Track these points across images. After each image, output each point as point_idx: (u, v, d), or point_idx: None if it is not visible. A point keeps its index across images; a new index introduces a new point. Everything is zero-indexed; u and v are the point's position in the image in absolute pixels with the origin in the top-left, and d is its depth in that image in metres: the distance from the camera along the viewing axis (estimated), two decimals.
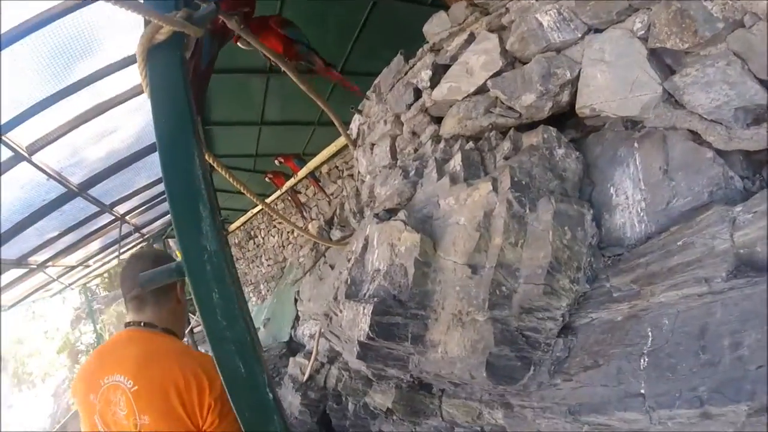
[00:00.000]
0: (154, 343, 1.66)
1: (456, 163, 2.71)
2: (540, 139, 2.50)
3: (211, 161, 2.44)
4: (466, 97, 2.91)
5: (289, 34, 3.39)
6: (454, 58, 2.98)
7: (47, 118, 4.19)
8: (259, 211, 9.14)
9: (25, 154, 4.34)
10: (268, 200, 8.04)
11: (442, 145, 3.02)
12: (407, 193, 2.93)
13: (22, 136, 4.21)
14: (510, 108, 2.75)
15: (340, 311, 2.94)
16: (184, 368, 1.54)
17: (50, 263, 8.15)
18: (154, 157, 6.20)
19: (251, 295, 11.68)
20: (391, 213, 3.02)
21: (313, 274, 7.89)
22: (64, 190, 5.64)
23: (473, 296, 2.27)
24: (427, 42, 3.17)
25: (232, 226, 8.96)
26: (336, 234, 7.53)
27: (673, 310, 1.86)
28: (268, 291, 10.82)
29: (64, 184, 5.51)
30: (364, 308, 2.58)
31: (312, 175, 6.87)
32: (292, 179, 6.80)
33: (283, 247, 9.74)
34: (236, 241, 11.14)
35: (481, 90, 2.85)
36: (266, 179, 7.39)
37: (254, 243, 11.00)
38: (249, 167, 7.80)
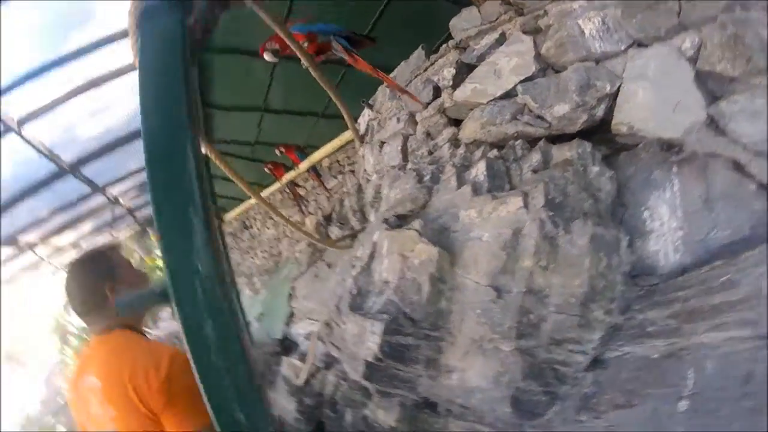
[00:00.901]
0: (114, 340, 1.72)
1: (479, 171, 2.51)
2: (575, 154, 2.31)
3: (207, 151, 2.19)
4: (491, 100, 2.71)
5: (305, 29, 3.13)
6: (481, 58, 2.77)
7: (39, 90, 3.99)
8: (255, 203, 8.91)
9: (14, 126, 4.10)
10: (266, 191, 7.81)
11: (461, 150, 2.81)
12: (421, 200, 2.72)
13: (12, 107, 4.00)
14: (539, 117, 2.57)
15: (343, 323, 2.75)
16: (135, 357, 1.62)
17: (40, 243, 8.09)
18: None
19: (244, 287, 11.47)
20: (401, 219, 2.82)
21: (310, 271, 7.72)
22: (56, 168, 5.44)
23: (497, 322, 2.09)
24: (453, 38, 2.95)
25: (228, 215, 8.73)
26: (334, 231, 7.35)
27: (717, 352, 1.70)
28: (262, 285, 10.60)
29: (56, 162, 5.31)
30: (372, 325, 2.39)
31: (313, 169, 6.65)
32: (293, 172, 6.56)
33: (279, 240, 9.51)
34: (230, 230, 10.89)
35: (509, 95, 2.66)
36: (266, 170, 7.16)
37: (249, 233, 10.76)
38: (247, 155, 7.57)
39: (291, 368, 4.59)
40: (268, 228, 9.83)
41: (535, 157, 2.48)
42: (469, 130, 2.84)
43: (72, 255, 9.80)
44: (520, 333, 2.00)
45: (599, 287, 1.96)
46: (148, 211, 9.59)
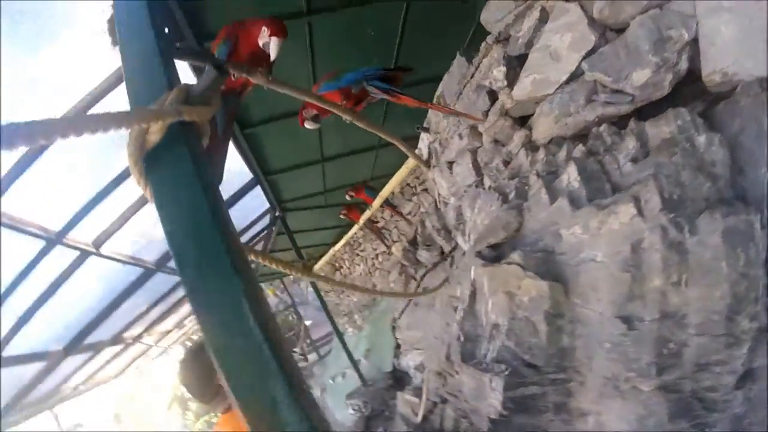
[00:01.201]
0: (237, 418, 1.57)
1: (571, 178, 2.12)
2: (674, 128, 1.88)
3: (253, 257, 2.08)
4: (558, 88, 2.32)
5: (334, 86, 2.93)
6: (529, 45, 2.40)
7: (105, 211, 4.12)
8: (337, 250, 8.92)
9: (92, 249, 4.32)
10: (347, 235, 7.69)
11: (541, 154, 2.44)
12: (513, 224, 2.37)
13: (84, 234, 4.20)
14: (618, 91, 2.16)
15: (457, 373, 2.47)
16: None
17: (144, 334, 8.39)
18: (233, 210, 6.11)
19: (346, 326, 11.45)
20: (496, 249, 2.49)
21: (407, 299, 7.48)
22: (142, 270, 5.69)
23: (632, 358, 1.73)
24: (489, 33, 2.60)
25: (317, 265, 8.73)
26: (423, 254, 7.06)
27: None
28: (363, 321, 10.50)
29: (141, 265, 5.53)
30: (491, 381, 2.08)
31: (387, 203, 6.47)
32: (368, 211, 6.39)
33: (371, 274, 9.37)
34: (322, 274, 10.94)
35: (576, 76, 2.27)
36: (341, 216, 7.09)
37: (340, 274, 10.72)
38: (321, 204, 7.53)
39: (407, 405, 4.35)
40: (358, 265, 9.73)
41: (630, 144, 2.06)
42: (543, 128, 2.47)
43: (177, 335, 10.35)
44: (661, 368, 1.63)
45: (741, 292, 1.54)
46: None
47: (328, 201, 7.52)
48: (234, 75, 2.00)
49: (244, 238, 7.51)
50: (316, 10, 3.66)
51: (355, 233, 7.77)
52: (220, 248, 0.90)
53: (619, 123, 2.24)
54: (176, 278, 6.37)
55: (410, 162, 4.62)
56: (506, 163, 2.82)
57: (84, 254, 4.23)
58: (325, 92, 2.81)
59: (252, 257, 2.10)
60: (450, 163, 3.40)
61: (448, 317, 3.17)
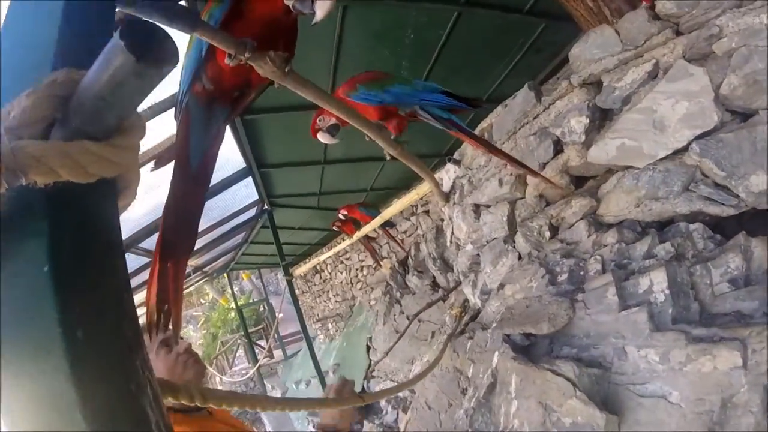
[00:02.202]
0: None
1: (656, 286, 1.65)
2: None
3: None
4: (651, 164, 1.85)
5: (376, 98, 2.27)
6: (627, 101, 1.92)
7: None
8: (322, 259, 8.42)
9: None
10: (338, 247, 7.19)
11: (611, 237, 1.95)
12: (562, 318, 1.88)
13: None
14: (724, 188, 1.72)
15: None
16: None
17: None
18: (218, 197, 5.75)
19: (318, 332, 10.94)
20: (529, 336, 2.01)
21: (388, 323, 7.00)
22: None
23: None
24: (576, 73, 2.10)
25: (297, 271, 8.20)
26: (413, 280, 6.59)
27: None
28: (336, 331, 10.00)
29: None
30: None
31: (386, 225, 5.97)
32: (363, 229, 5.89)
33: (352, 284, 8.88)
34: (302, 273, 10.41)
35: (678, 154, 1.79)
36: (334, 228, 6.58)
37: (320, 277, 10.18)
38: (313, 205, 7.03)
39: None
40: (341, 272, 9.23)
41: (733, 261, 1.63)
42: (616, 206, 2.00)
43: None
44: None
45: None
46: (214, 263, 9.39)
47: (322, 203, 7.08)
48: (230, 59, 1.25)
49: (226, 227, 7.01)
50: None
51: (344, 243, 7.26)
52: None
53: (714, 224, 1.82)
54: (145, 259, 5.88)
55: (423, 189, 4.11)
56: (553, 228, 2.34)
57: None
58: (360, 102, 2.17)
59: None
60: (477, 206, 2.91)
61: (450, 393, 2.69)
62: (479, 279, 3.00)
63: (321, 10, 1.31)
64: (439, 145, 5.70)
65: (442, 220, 5.81)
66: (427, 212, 6.37)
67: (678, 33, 1.81)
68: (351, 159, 5.56)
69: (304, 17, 1.35)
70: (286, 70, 1.39)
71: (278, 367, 14.16)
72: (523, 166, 2.21)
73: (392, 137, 2.30)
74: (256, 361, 11.89)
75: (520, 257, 2.57)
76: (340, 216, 5.94)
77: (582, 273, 1.98)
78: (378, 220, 5.09)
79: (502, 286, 2.46)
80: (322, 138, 2.38)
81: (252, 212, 6.96)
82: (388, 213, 4.94)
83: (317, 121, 2.36)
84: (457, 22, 3.69)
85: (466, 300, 3.50)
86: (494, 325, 2.29)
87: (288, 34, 1.44)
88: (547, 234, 2.34)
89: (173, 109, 1.46)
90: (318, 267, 9.97)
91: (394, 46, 3.82)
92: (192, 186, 1.32)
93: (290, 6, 1.30)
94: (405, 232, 6.82)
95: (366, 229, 5.35)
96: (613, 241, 1.92)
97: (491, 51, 4.24)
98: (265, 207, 6.67)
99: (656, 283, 1.65)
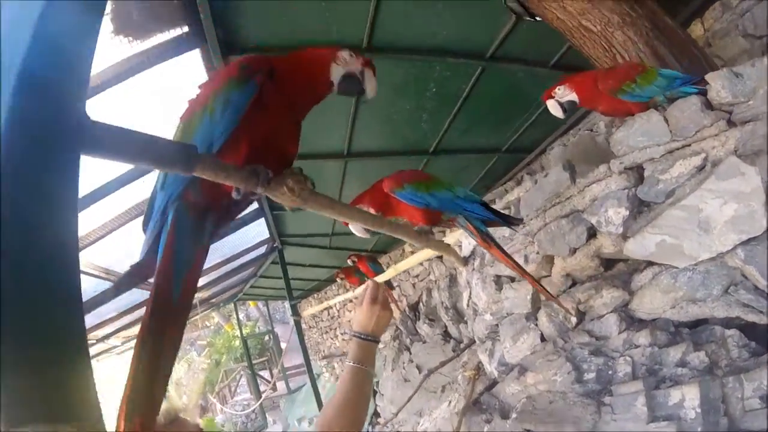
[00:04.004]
0: None
1: (689, 404, 1.54)
2: None
3: None
4: (692, 264, 1.71)
5: (423, 200, 2.04)
6: (671, 194, 1.79)
7: (83, 220, 3.67)
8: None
9: None
10: (341, 297, 7.08)
11: (643, 338, 1.81)
12: (587, 422, 1.73)
13: None
14: (765, 295, 1.61)
15: None
16: None
17: (113, 336, 8.24)
18: (221, 241, 5.56)
19: (323, 369, 10.71)
20: None
21: (396, 370, 6.78)
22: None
23: None
24: (616, 157, 1.96)
25: (306, 312, 8.03)
26: (423, 328, 6.40)
27: None
28: (342, 369, 9.75)
29: (113, 281, 4.94)
30: None
31: (388, 284, 5.86)
32: (367, 283, 5.75)
33: None
34: (309, 308, 10.26)
35: (720, 256, 1.66)
36: (338, 279, 6.45)
37: (328, 314, 10.01)
38: (324, 245, 6.94)
39: None
40: (349, 311, 9.06)
41: (766, 378, 1.48)
42: (650, 303, 1.86)
43: None
44: None
45: None
46: (221, 294, 9.31)
47: (334, 243, 6.98)
48: (237, 193, 1.07)
49: (235, 263, 6.92)
50: (378, 49, 3.11)
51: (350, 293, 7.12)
52: None
53: (748, 327, 1.67)
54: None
55: (424, 254, 3.91)
56: (580, 314, 2.19)
57: None
58: (404, 201, 2.09)
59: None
60: (498, 277, 2.77)
61: None
62: (496, 349, 2.84)
63: (371, 87, 1.28)
64: None
65: (456, 268, 5.69)
66: (440, 257, 6.23)
67: (730, 123, 1.69)
68: None
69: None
70: (308, 196, 1.24)
71: (281, 401, 13.87)
72: (544, 291, 2.14)
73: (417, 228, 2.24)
74: (259, 393, 11.67)
75: (542, 337, 2.43)
76: (349, 262, 5.84)
77: (610, 373, 1.84)
78: (383, 276, 4.95)
79: (524, 371, 2.31)
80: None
81: (262, 249, 6.87)
82: (388, 274, 4.79)
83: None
84: (480, 75, 3.62)
85: (480, 363, 3.34)
86: (514, 415, 2.14)
87: (299, 129, 1.27)
88: (573, 319, 2.20)
89: (140, 218, 1.21)
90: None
91: (416, 99, 3.75)
92: (171, 321, 1.02)
93: (334, 89, 1.24)
94: (417, 276, 6.65)
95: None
96: (646, 343, 1.78)
97: (513, 103, 4.17)
98: (276, 245, 6.59)
99: (688, 399, 1.54)
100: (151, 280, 1.04)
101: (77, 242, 0.53)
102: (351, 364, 1.24)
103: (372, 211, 2.09)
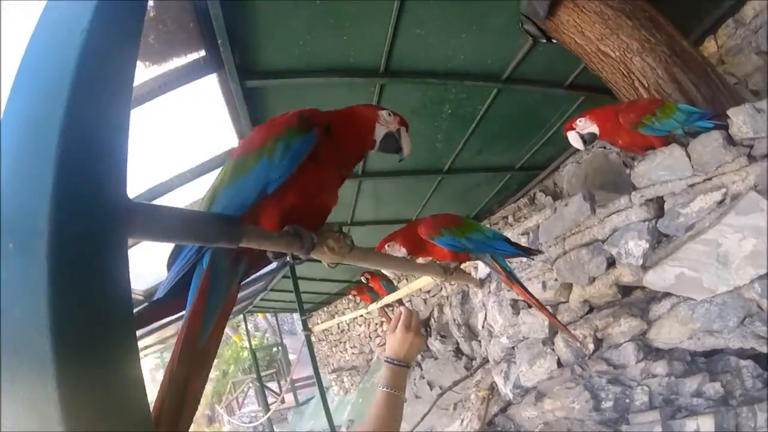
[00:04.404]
0: None
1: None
2: None
3: None
4: (710, 296, 1.72)
5: (445, 242, 2.11)
6: (691, 227, 1.81)
7: None
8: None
9: None
10: (352, 314, 7.09)
11: (660, 368, 1.83)
12: None
13: None
14: None
15: None
16: None
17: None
18: None
19: (332, 383, 10.68)
20: None
21: (407, 387, 6.75)
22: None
23: None
24: (637, 190, 1.98)
25: (316, 327, 8.03)
26: (435, 345, 6.39)
27: None
28: (351, 384, 9.76)
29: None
30: None
31: (399, 301, 5.88)
32: (377, 302, 5.76)
33: (371, 338, 8.71)
34: (319, 321, 10.26)
35: (737, 289, 1.67)
36: (351, 295, 6.50)
37: (338, 327, 10.01)
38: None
39: None
40: (359, 325, 9.06)
41: None
42: (668, 333, 1.88)
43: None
44: None
45: None
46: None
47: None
48: (274, 257, 1.19)
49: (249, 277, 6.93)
50: (395, 73, 3.16)
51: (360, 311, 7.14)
52: None
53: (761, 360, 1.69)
54: None
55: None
56: (597, 341, 2.20)
57: None
58: (443, 247, 2.16)
59: None
60: (515, 302, 2.79)
61: None
62: (512, 371, 2.85)
63: (407, 146, 1.33)
64: None
65: (468, 286, 5.68)
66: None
67: (750, 158, 1.70)
68: (379, 221, 5.50)
69: None
70: (347, 253, 1.30)
71: (289, 414, 13.83)
72: (559, 323, 2.24)
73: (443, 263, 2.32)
74: (267, 405, 11.64)
75: (559, 363, 2.44)
76: (363, 279, 5.87)
77: (627, 401, 1.86)
78: (392, 297, 4.98)
79: (541, 396, 2.31)
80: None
81: (274, 263, 6.88)
82: (402, 292, 4.81)
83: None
84: (496, 97, 3.65)
85: (494, 383, 3.34)
86: None
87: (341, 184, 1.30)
88: (591, 346, 2.20)
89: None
90: (336, 316, 9.82)
91: (431, 121, 3.79)
92: (198, 364, 1.01)
93: (376, 147, 1.29)
94: (428, 292, 6.67)
95: (383, 302, 5.24)
96: (663, 373, 1.80)
97: (528, 122, 4.20)
98: (288, 260, 6.60)
99: (703, 429, 1.57)
100: (167, 319, 1.04)
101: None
102: (383, 389, 1.25)
103: (403, 249, 2.15)
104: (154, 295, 1.12)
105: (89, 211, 0.51)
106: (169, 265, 1.15)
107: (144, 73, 2.50)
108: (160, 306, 1.11)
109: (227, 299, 1.10)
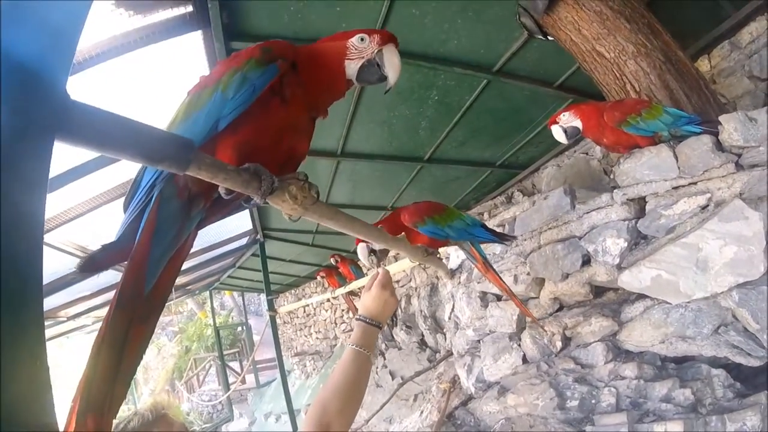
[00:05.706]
0: None
1: None
2: None
3: None
4: (684, 302, 1.70)
5: (442, 232, 2.16)
6: (671, 231, 1.78)
7: (65, 196, 3.54)
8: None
9: None
10: (317, 298, 7.04)
11: (629, 370, 1.80)
12: None
13: None
14: (755, 338, 1.61)
15: None
16: None
17: (84, 315, 7.95)
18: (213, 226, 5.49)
19: (295, 366, 10.59)
20: None
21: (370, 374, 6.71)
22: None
23: None
24: (620, 188, 1.95)
25: (282, 309, 7.91)
26: (400, 335, 6.36)
27: None
28: (314, 369, 9.68)
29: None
30: None
31: (350, 293, 5.88)
32: (345, 287, 5.70)
33: (336, 324, 8.63)
34: (285, 303, 10.15)
35: (714, 296, 1.65)
36: (318, 277, 6.46)
37: (304, 311, 9.93)
38: (307, 242, 6.86)
39: None
40: (326, 310, 8.98)
41: (749, 420, 1.52)
42: (639, 337, 1.85)
43: None
44: None
45: None
46: (198, 282, 9.16)
47: (316, 241, 6.90)
48: (227, 194, 1.00)
49: (215, 252, 6.80)
50: None
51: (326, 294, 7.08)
52: None
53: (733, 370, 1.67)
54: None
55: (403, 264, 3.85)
56: (565, 339, 2.17)
57: None
58: (425, 234, 2.17)
59: None
60: (484, 294, 2.75)
61: None
62: (476, 365, 2.82)
63: (393, 71, 1.13)
64: None
65: (438, 278, 5.66)
66: (425, 268, 6.20)
67: (738, 166, 1.68)
68: (355, 205, 5.41)
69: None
70: (310, 205, 1.16)
71: (249, 395, 13.71)
72: (531, 315, 2.30)
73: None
74: (228, 384, 11.50)
75: (524, 359, 2.41)
76: (332, 261, 5.80)
77: (594, 402, 1.83)
78: (359, 283, 4.93)
79: (504, 391, 2.28)
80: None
81: (243, 240, 6.77)
82: (363, 281, 4.78)
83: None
84: (485, 89, 3.59)
85: (457, 376, 3.31)
86: None
87: (313, 127, 1.18)
88: (559, 344, 2.17)
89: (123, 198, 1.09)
90: (304, 299, 9.75)
91: (417, 106, 3.70)
92: (140, 315, 0.92)
93: (353, 81, 1.12)
94: (398, 282, 6.62)
95: (349, 288, 5.21)
96: (632, 376, 1.78)
97: (514, 119, 4.15)
98: (258, 237, 6.50)
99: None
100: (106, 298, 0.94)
101: (42, 232, 0.46)
102: (353, 347, 1.19)
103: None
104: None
105: (18, 97, 0.43)
106: (126, 207, 1.06)
107: (126, 22, 2.38)
108: (117, 250, 1.02)
109: (178, 246, 1.01)
